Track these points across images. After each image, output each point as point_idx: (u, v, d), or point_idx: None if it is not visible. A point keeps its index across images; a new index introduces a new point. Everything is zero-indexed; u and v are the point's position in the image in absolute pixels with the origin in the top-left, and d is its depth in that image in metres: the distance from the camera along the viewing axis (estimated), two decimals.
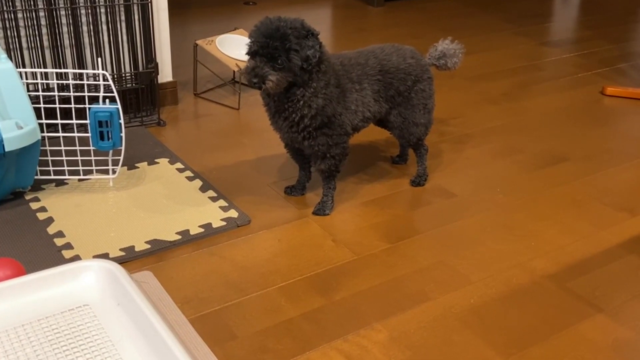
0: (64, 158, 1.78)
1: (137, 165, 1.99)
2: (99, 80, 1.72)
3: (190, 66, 2.62)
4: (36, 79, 1.73)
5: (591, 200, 1.96)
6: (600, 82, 2.98)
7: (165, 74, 2.44)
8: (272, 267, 1.57)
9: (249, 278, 1.53)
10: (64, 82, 1.70)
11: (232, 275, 1.54)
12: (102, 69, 2.18)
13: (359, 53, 1.80)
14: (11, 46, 2.05)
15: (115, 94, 1.71)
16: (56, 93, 1.70)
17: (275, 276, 1.54)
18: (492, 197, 1.96)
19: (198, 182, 1.92)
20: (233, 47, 2.56)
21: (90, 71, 1.72)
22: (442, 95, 2.73)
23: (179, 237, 1.65)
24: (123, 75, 2.26)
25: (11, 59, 2.04)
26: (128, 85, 2.28)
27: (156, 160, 2.04)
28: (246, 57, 2.46)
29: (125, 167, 1.97)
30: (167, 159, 2.05)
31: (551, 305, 1.49)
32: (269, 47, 1.54)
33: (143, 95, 2.32)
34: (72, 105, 1.72)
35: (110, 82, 1.69)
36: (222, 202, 1.82)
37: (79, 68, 2.16)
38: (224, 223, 1.72)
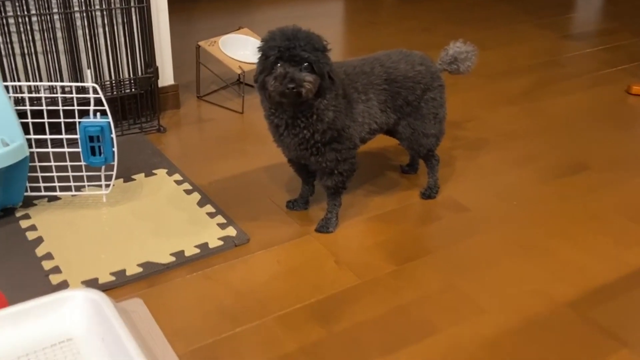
0: (55, 174, 1.70)
1: (133, 177, 1.91)
2: (89, 93, 1.63)
3: (193, 67, 2.52)
4: (23, 93, 1.64)
5: (614, 215, 1.83)
6: (625, 79, 2.83)
7: (166, 77, 2.35)
8: (270, 293, 1.48)
9: (244, 305, 1.44)
10: (52, 95, 1.61)
11: (227, 302, 1.45)
12: (94, 80, 2.10)
13: (364, 61, 1.69)
14: (4, 52, 1.97)
15: (106, 107, 1.61)
16: (44, 107, 1.62)
17: (272, 303, 1.45)
18: (507, 210, 1.84)
19: (196, 196, 1.83)
20: (237, 48, 2.45)
21: (80, 84, 1.63)
22: (455, 95, 2.60)
23: (173, 259, 1.56)
24: (121, 80, 2.17)
25: (4, 66, 1.96)
26: (127, 91, 2.19)
27: (154, 171, 1.95)
28: (250, 59, 2.39)
29: (122, 180, 1.88)
30: (166, 170, 1.96)
31: (571, 338, 1.38)
32: (296, 48, 1.42)
33: (142, 101, 2.23)
34: (62, 120, 1.64)
35: (101, 95, 1.60)
36: (220, 219, 1.72)
37: (75, 74, 2.08)
38: (221, 243, 1.63)
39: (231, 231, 1.67)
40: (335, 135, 1.58)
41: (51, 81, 2.05)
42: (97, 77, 2.12)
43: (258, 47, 1.48)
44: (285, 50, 1.42)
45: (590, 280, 1.56)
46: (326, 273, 1.55)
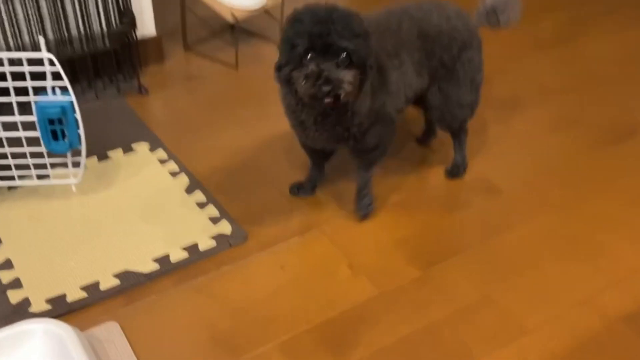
0: (11, 161, 1.42)
1: (109, 154, 1.63)
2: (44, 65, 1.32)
3: (178, 11, 2.17)
4: None
5: None
6: None
7: (146, 27, 2.01)
8: (273, 311, 1.24)
9: (242, 328, 1.20)
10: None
11: (221, 325, 1.21)
12: (57, 36, 1.77)
13: (389, 14, 1.37)
14: None
15: (67, 83, 1.31)
16: None
17: (276, 325, 1.21)
18: (547, 192, 1.57)
19: (184, 179, 1.56)
20: None
21: (32, 54, 1.31)
22: None
23: (157, 266, 1.31)
24: (91, 35, 1.84)
25: None
26: (99, 46, 1.86)
27: (133, 145, 1.66)
28: (245, 2, 2.04)
29: (95, 158, 1.61)
30: (147, 144, 1.68)
31: None
32: (331, 35, 1.09)
33: (119, 56, 1.91)
34: (13, 98, 1.34)
35: (59, 68, 1.30)
36: (212, 210, 1.46)
37: (35, 27, 1.75)
38: (213, 243, 1.37)
39: (225, 227, 1.42)
40: (373, 119, 1.30)
41: (6, 38, 1.73)
42: (62, 31, 1.80)
43: (283, 33, 1.16)
44: (318, 38, 1.10)
45: None
46: (338, 282, 1.31)
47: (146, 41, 2.02)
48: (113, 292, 1.26)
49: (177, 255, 1.34)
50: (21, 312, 1.20)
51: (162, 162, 1.62)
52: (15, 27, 1.74)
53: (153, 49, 2.06)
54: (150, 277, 1.29)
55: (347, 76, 1.11)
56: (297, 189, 1.53)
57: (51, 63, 1.30)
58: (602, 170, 1.65)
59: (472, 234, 1.44)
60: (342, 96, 1.12)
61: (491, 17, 1.49)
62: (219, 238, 1.39)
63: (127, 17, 1.86)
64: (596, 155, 1.71)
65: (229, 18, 2.00)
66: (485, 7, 1.49)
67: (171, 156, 1.64)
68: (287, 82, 1.17)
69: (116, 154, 1.63)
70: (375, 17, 1.37)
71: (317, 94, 1.11)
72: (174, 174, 1.57)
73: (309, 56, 1.11)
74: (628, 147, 1.74)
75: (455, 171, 1.60)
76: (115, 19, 1.86)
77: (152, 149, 1.66)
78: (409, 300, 1.27)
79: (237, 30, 2.19)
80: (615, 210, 1.52)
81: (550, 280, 1.33)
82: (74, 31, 1.82)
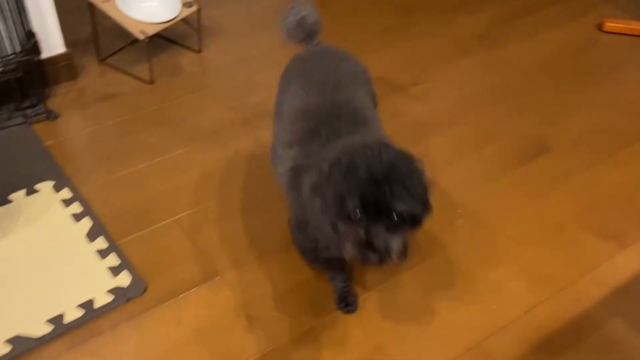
0: None
1: (10, 198, 1.59)
2: None
3: (89, 21, 2.09)
4: None
5: (572, 224, 1.60)
6: (600, 7, 2.48)
7: (53, 45, 1.93)
8: None
9: None
10: None
11: None
12: None
13: (319, 79, 1.30)
14: None
15: None
16: None
17: None
18: (450, 224, 1.59)
19: (87, 223, 1.54)
20: (138, 4, 2.02)
21: None
22: (397, 45, 2.24)
23: (50, 327, 1.31)
24: None
25: None
26: (0, 75, 1.79)
27: (37, 186, 1.63)
28: (157, 16, 1.97)
29: None
30: (52, 182, 1.64)
31: None
32: (385, 197, 0.96)
33: (24, 83, 1.84)
34: None
35: None
36: (113, 259, 1.45)
37: None
38: (110, 298, 1.37)
39: (125, 279, 1.41)
40: None
41: None
42: None
43: (331, 177, 1.01)
44: (370, 198, 0.96)
45: (535, 326, 1.36)
46: (235, 338, 1.32)
47: (55, 59, 1.94)
48: None
49: (72, 314, 1.34)
50: None
51: (65, 203, 1.59)
52: None
53: (64, 66, 1.98)
54: (42, 342, 1.29)
55: (398, 243, 0.98)
56: (345, 306, 1.38)
57: None
58: (507, 198, 1.67)
59: (369, 275, 1.46)
60: (387, 263, 1.00)
61: (301, 35, 1.46)
62: (116, 291, 1.38)
63: (29, 42, 1.78)
64: (504, 180, 1.72)
65: (138, 35, 1.93)
66: (289, 23, 1.45)
67: (76, 196, 1.61)
68: (332, 227, 1.04)
69: (18, 197, 1.60)
70: (306, 95, 1.27)
71: (363, 260, 1.00)
72: (76, 217, 1.55)
73: (357, 214, 0.97)
74: (534, 169, 1.76)
75: None
76: (15, 45, 1.78)
77: (57, 188, 1.63)
78: (302, 354, 1.30)
79: (153, 40, 2.12)
80: (514, 245, 1.55)
81: (440, 325, 1.36)
82: None
